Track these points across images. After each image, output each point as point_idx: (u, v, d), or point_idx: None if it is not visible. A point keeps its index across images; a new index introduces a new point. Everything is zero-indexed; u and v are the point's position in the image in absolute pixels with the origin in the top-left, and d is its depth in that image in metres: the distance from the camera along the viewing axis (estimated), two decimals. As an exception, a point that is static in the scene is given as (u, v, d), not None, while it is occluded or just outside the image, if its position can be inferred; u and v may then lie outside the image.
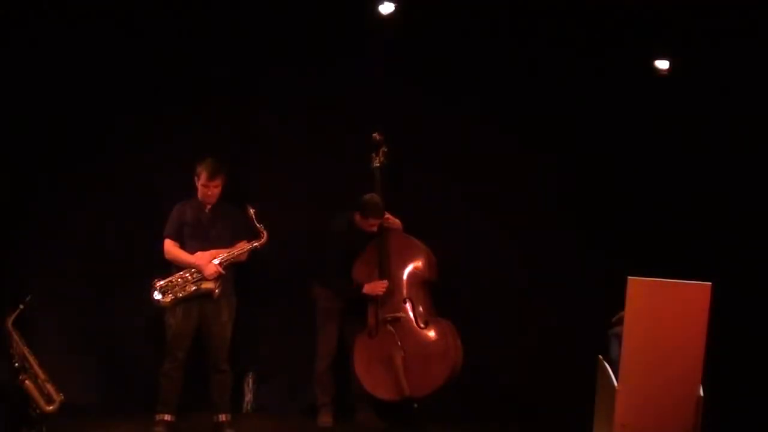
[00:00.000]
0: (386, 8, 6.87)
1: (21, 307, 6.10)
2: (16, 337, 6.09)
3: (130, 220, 7.14)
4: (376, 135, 6.81)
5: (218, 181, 6.37)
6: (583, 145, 7.15)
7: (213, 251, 6.35)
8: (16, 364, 6.07)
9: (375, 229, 6.71)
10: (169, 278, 6.32)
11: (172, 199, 6.54)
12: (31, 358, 6.13)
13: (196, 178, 6.37)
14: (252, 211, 6.36)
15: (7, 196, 6.97)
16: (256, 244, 6.41)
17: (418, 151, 7.21)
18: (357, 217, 6.71)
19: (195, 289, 6.32)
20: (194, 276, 6.32)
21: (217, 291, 6.32)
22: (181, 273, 6.34)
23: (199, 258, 6.32)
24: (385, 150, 6.81)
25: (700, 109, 6.93)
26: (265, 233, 6.39)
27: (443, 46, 7.15)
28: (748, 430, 6.37)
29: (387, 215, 6.75)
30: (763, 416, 6.38)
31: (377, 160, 6.81)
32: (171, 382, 6.38)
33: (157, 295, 6.29)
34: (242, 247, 6.41)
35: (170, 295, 6.30)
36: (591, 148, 7.13)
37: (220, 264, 6.32)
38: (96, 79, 7.05)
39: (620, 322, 5.60)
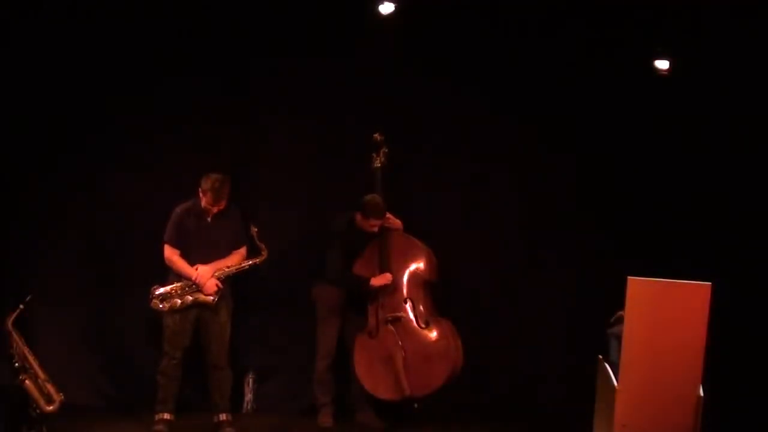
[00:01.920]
0: (386, 8, 6.85)
1: (21, 307, 6.11)
2: (16, 337, 6.10)
3: (130, 220, 7.13)
4: (376, 135, 6.81)
5: (223, 202, 6.38)
6: (583, 145, 7.14)
7: (214, 265, 6.37)
8: (17, 364, 6.07)
9: (376, 229, 6.70)
10: (168, 288, 6.35)
11: (172, 199, 6.54)
12: (31, 358, 6.13)
13: (200, 192, 6.36)
14: (255, 230, 6.40)
15: (7, 196, 6.97)
16: (256, 260, 6.46)
17: (418, 151, 7.22)
18: (358, 217, 6.70)
19: (193, 300, 6.35)
20: (192, 288, 6.35)
21: (214, 300, 6.35)
22: (180, 284, 6.36)
23: (201, 276, 6.33)
24: (386, 150, 6.81)
25: (700, 109, 6.91)
26: (265, 252, 6.43)
27: (443, 46, 7.14)
28: (748, 430, 6.37)
29: (388, 215, 6.75)
30: (763, 416, 6.37)
31: (378, 161, 6.81)
32: (169, 381, 6.40)
33: (154, 303, 6.32)
34: (243, 263, 6.45)
35: (167, 303, 6.33)
36: (591, 148, 7.12)
37: (219, 278, 6.35)
38: (96, 78, 7.04)
39: (619, 322, 5.60)
